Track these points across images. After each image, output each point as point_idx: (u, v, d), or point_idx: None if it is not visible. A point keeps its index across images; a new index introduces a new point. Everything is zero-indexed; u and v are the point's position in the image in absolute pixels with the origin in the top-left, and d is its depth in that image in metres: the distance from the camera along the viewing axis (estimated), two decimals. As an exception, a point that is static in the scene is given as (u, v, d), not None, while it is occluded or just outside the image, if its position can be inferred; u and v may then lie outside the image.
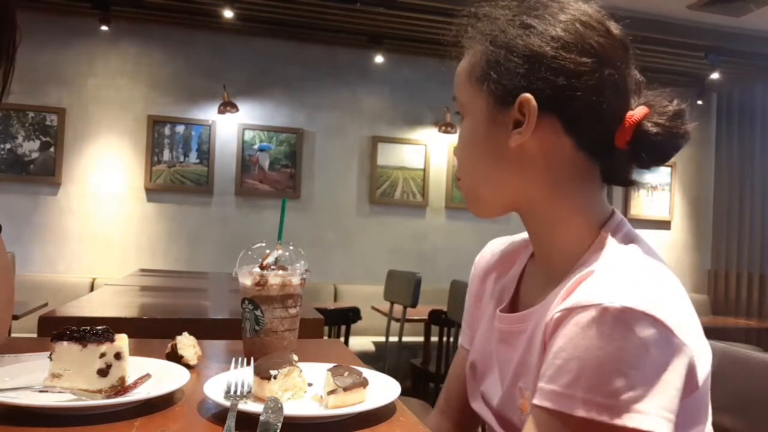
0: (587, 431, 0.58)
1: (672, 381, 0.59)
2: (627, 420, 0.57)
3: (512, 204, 0.78)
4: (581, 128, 0.71)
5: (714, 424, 0.72)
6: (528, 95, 0.70)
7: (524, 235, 0.90)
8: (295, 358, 0.77)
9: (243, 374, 0.75)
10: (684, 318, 0.63)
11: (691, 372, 0.61)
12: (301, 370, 0.74)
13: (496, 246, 0.96)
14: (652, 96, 0.74)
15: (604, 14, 0.73)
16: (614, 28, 0.73)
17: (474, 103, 0.76)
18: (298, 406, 0.71)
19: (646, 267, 0.67)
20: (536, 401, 0.62)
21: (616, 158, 0.74)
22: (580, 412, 0.58)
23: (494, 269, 0.92)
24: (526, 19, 0.72)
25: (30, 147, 4.52)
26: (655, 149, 0.71)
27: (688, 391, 0.61)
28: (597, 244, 0.72)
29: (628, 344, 0.58)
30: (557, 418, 0.60)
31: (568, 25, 0.71)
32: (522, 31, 0.71)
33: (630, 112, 0.71)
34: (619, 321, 0.58)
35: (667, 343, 0.59)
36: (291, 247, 0.98)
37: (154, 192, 4.69)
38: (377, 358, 4.13)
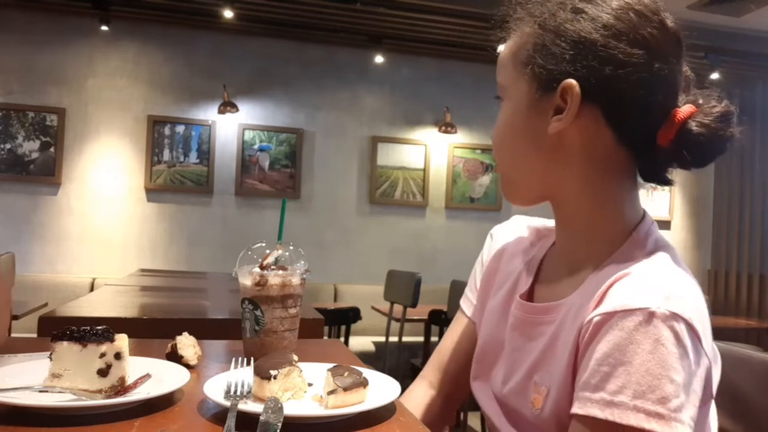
0: None
1: (697, 391, 0.59)
2: (674, 429, 0.56)
3: (546, 193, 0.76)
4: (624, 122, 0.69)
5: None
6: (572, 81, 0.68)
7: (546, 221, 0.88)
8: (295, 358, 0.77)
9: (243, 374, 0.75)
10: (707, 327, 0.63)
11: (708, 383, 0.61)
12: (301, 370, 0.74)
13: (517, 224, 0.93)
14: (701, 94, 0.71)
15: (659, 4, 0.70)
16: (669, 20, 0.70)
17: (516, 87, 0.74)
18: (298, 406, 0.71)
19: (679, 274, 0.65)
20: (580, 410, 0.60)
21: (657, 156, 0.71)
22: (630, 420, 0.57)
23: (512, 248, 0.90)
24: (577, 3, 0.70)
25: (30, 147, 4.52)
26: (698, 150, 0.68)
27: (704, 400, 0.61)
28: (629, 245, 0.70)
29: (674, 350, 0.58)
30: (605, 426, 0.58)
31: (621, 13, 0.68)
32: (572, 16, 0.69)
33: (677, 110, 0.69)
34: (666, 326, 0.58)
35: (697, 352, 0.60)
36: (291, 247, 0.98)
37: (154, 192, 4.69)
38: (377, 358, 4.13)
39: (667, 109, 0.69)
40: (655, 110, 0.68)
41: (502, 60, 0.77)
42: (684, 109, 0.68)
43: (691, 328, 0.59)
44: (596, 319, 0.62)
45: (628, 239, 0.71)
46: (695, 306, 0.61)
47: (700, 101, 0.70)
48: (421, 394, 0.95)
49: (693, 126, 0.67)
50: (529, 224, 0.91)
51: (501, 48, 0.78)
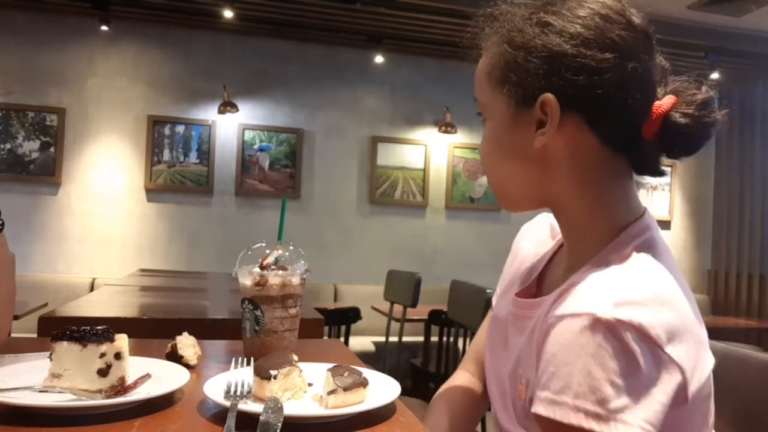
0: None
1: (657, 396, 0.59)
2: (613, 428, 0.57)
3: (541, 200, 0.77)
4: (606, 125, 0.70)
5: (714, 425, 0.71)
6: (549, 95, 0.68)
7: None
8: (295, 358, 0.77)
9: (243, 374, 0.75)
10: (680, 331, 0.61)
11: (681, 388, 0.61)
12: (301, 370, 0.74)
13: (542, 221, 0.95)
14: (680, 83, 0.72)
15: (624, 4, 0.71)
16: (636, 18, 0.70)
17: (494, 105, 0.75)
18: (298, 406, 0.71)
19: (648, 278, 0.65)
20: (533, 407, 0.63)
21: (645, 150, 0.71)
22: (571, 419, 0.58)
23: (531, 245, 0.93)
24: (543, 16, 0.70)
25: (30, 147, 4.52)
26: (684, 139, 0.70)
27: (676, 405, 0.61)
28: (611, 247, 0.70)
29: (618, 355, 0.58)
30: (549, 424, 0.60)
31: (587, 20, 0.68)
32: (539, 30, 0.69)
33: (657, 103, 0.70)
34: (610, 332, 0.59)
35: (656, 359, 0.59)
36: (291, 247, 0.98)
37: (154, 192, 4.69)
38: (377, 358, 4.13)
39: (647, 105, 0.69)
40: (636, 108, 0.69)
41: (478, 78, 0.77)
42: (664, 102, 0.69)
43: (643, 335, 0.59)
44: (549, 320, 0.64)
45: (614, 240, 0.71)
46: (655, 312, 0.60)
47: (680, 90, 0.70)
48: (461, 380, 1.00)
49: (676, 116, 0.69)
50: (551, 221, 0.92)
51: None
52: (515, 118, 0.72)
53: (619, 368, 0.58)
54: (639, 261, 0.67)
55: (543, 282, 0.85)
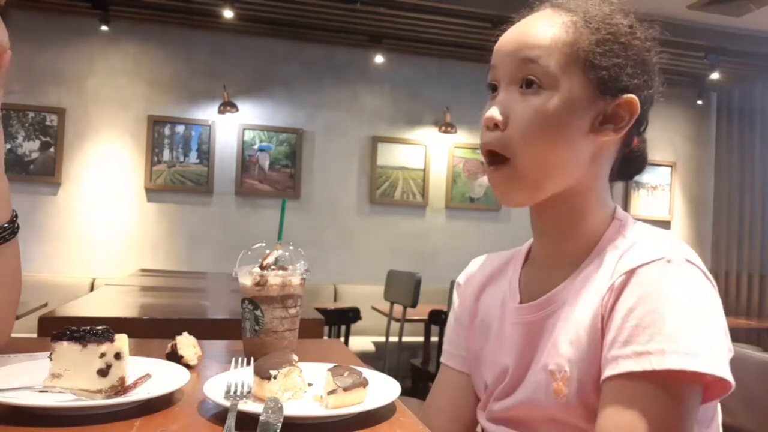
0: (674, 382, 0.59)
1: (723, 324, 0.64)
2: (710, 363, 0.59)
3: (552, 194, 0.75)
4: (632, 137, 0.77)
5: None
6: (636, 98, 0.71)
7: (502, 252, 0.91)
8: (295, 358, 0.77)
9: (243, 374, 0.75)
10: None
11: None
12: (301, 370, 0.74)
13: (480, 264, 0.93)
14: None
15: None
16: None
17: (569, 79, 0.70)
18: (298, 406, 0.71)
19: (668, 234, 0.72)
20: (613, 371, 0.62)
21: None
22: (666, 364, 0.58)
23: (487, 284, 0.90)
24: (624, 19, 0.73)
25: (30, 147, 4.52)
26: (640, 163, 0.81)
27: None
28: (614, 226, 0.75)
29: (695, 292, 0.63)
30: (642, 378, 0.60)
31: (652, 42, 0.75)
32: (630, 31, 0.72)
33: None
34: (683, 270, 0.63)
35: (716, 294, 0.65)
36: (291, 247, 0.98)
37: (154, 192, 4.69)
38: (377, 358, 4.13)
39: None
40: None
41: (548, 43, 0.71)
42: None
43: (704, 274, 0.65)
44: (618, 281, 0.65)
45: (612, 223, 0.76)
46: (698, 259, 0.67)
47: None
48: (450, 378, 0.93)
49: (635, 147, 0.80)
50: (491, 257, 0.92)
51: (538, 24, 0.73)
52: (587, 103, 0.71)
53: (698, 303, 0.62)
54: (650, 228, 0.74)
55: (523, 293, 0.82)
